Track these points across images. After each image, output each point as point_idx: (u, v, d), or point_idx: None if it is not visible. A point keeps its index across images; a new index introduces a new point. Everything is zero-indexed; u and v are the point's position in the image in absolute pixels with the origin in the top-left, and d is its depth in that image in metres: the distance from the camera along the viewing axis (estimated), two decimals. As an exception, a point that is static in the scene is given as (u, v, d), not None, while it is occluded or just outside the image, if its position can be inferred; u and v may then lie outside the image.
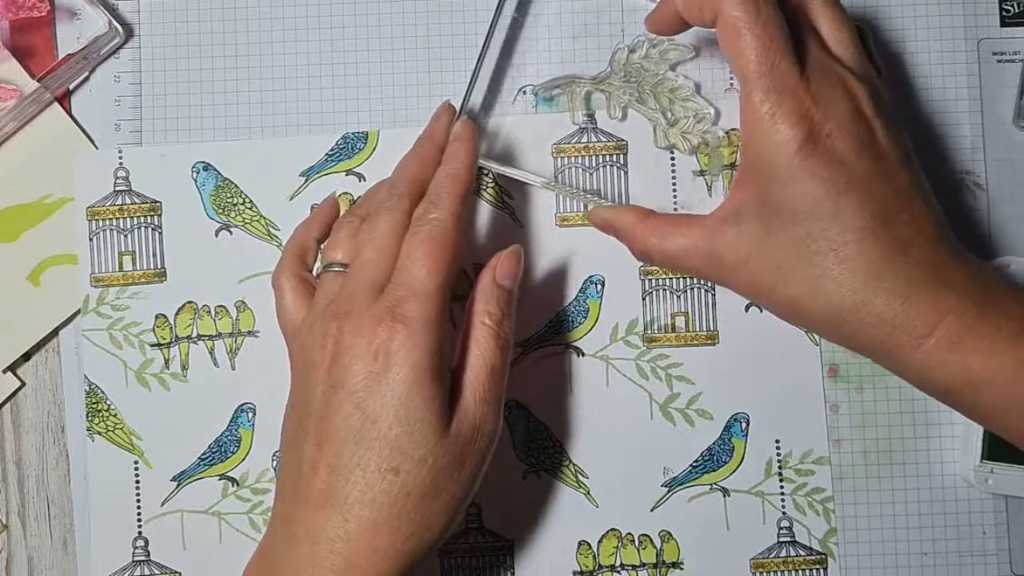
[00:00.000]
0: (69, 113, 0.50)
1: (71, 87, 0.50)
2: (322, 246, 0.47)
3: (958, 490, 0.49)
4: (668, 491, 0.49)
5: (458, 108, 0.48)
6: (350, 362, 0.41)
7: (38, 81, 0.49)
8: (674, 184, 0.49)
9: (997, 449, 0.48)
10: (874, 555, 0.49)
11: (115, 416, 0.50)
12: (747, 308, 0.49)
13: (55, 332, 0.50)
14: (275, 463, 0.49)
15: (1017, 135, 0.50)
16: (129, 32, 0.51)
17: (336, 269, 0.44)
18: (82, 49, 0.50)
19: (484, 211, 0.50)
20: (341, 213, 0.48)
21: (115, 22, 0.50)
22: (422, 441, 0.41)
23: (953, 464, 0.49)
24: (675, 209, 0.49)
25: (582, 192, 0.49)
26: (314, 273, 0.47)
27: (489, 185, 0.50)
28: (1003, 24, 0.50)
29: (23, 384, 0.50)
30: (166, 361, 0.50)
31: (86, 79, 0.50)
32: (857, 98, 0.42)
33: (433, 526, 0.41)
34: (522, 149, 0.50)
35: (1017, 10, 0.50)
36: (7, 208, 0.50)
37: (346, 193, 0.50)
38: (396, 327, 0.41)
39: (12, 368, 0.50)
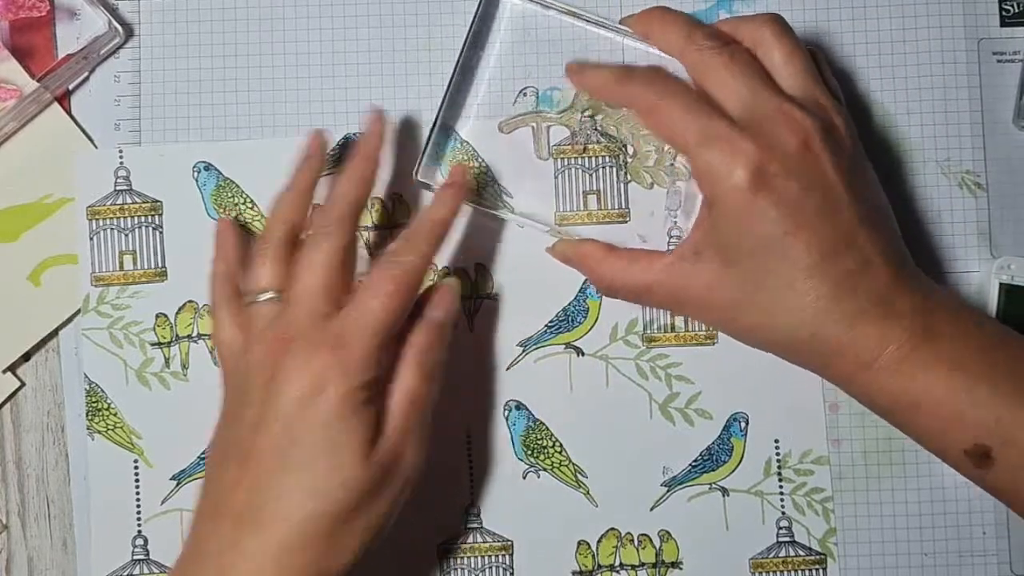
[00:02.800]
0: (69, 113, 0.50)
1: (71, 87, 0.50)
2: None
3: (958, 490, 0.49)
4: (668, 491, 0.49)
5: (435, 115, 0.49)
6: (285, 386, 0.42)
7: (38, 81, 0.49)
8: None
9: None
10: (874, 555, 0.49)
11: (115, 415, 0.50)
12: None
13: (55, 332, 0.50)
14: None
15: (1017, 135, 0.50)
16: (129, 32, 0.51)
17: (269, 296, 0.44)
18: (82, 49, 0.50)
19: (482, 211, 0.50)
20: (233, 233, 0.48)
21: (115, 22, 0.50)
22: (342, 466, 0.41)
23: None
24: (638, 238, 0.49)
25: (548, 225, 0.49)
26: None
27: (488, 183, 0.50)
28: (1003, 24, 0.50)
29: (23, 384, 0.50)
30: (166, 360, 0.50)
31: (86, 79, 0.51)
32: (805, 133, 0.42)
33: (347, 550, 0.42)
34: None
35: (1017, 10, 0.50)
36: (7, 208, 0.50)
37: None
38: (337, 354, 0.42)
39: (12, 368, 0.50)
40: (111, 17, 0.50)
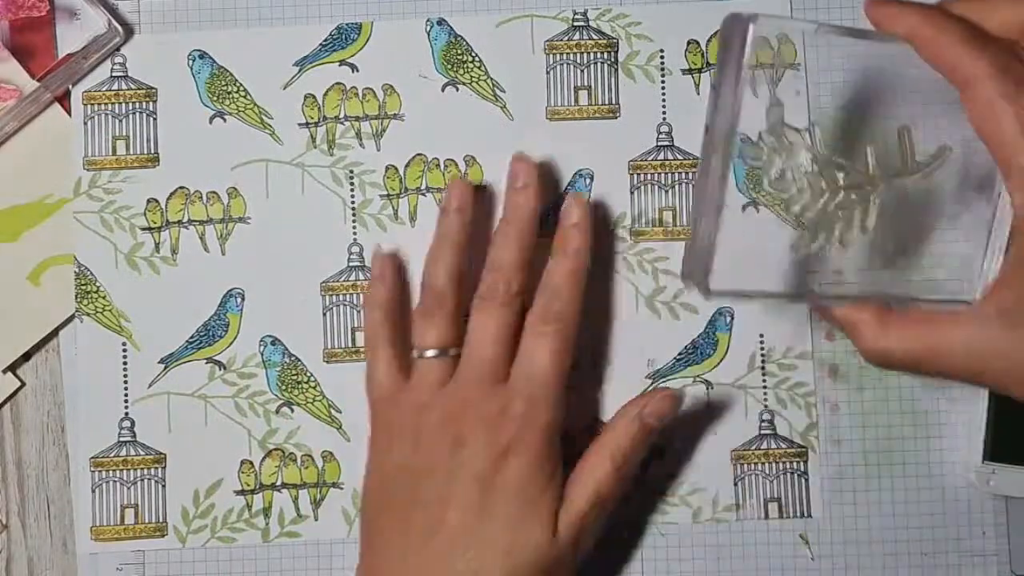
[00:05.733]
0: (69, 113, 0.50)
1: (71, 87, 0.51)
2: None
3: (958, 490, 0.49)
4: (652, 383, 0.49)
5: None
6: (476, 448, 0.44)
7: (38, 81, 0.50)
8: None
9: (999, 450, 0.48)
10: (874, 555, 0.49)
11: (104, 298, 0.50)
12: (744, 208, 0.49)
13: (55, 332, 0.50)
14: (262, 348, 0.50)
15: None
16: (129, 32, 0.51)
17: (437, 353, 0.46)
18: (82, 49, 0.50)
19: (475, 104, 0.50)
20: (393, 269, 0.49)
21: (115, 22, 0.50)
22: (534, 527, 0.44)
23: (953, 464, 0.49)
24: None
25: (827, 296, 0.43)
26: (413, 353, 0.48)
27: (481, 78, 0.50)
28: None
29: (23, 384, 0.50)
30: (156, 245, 0.50)
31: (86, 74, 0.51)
32: None
33: None
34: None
35: None
36: (7, 208, 0.50)
37: (339, 83, 0.50)
38: (523, 417, 0.44)
39: (12, 368, 0.50)
40: (111, 17, 0.50)
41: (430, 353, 0.46)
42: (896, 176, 0.41)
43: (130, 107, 0.50)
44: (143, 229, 0.50)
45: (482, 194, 0.50)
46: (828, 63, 0.49)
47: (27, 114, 0.50)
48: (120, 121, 0.50)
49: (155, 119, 0.50)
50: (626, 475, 0.46)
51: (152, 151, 0.50)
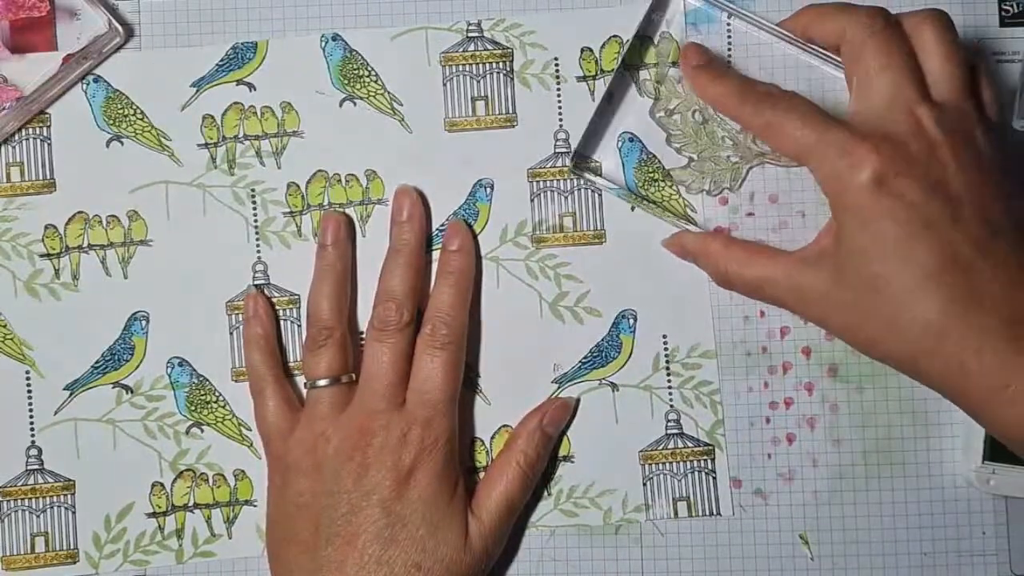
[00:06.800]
0: None
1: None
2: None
3: (958, 490, 0.49)
4: (558, 387, 0.50)
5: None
6: (380, 475, 0.45)
7: (38, 81, 0.49)
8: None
9: (999, 450, 0.48)
10: (874, 555, 0.49)
11: (4, 327, 0.49)
12: (633, 208, 0.50)
13: None
14: (169, 369, 0.50)
15: (1017, 135, 0.49)
16: (129, 32, 0.50)
17: (329, 382, 0.47)
18: (82, 49, 0.49)
19: (373, 119, 0.50)
20: (266, 306, 0.50)
21: (115, 22, 0.49)
22: (444, 541, 0.45)
23: (953, 464, 0.49)
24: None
25: (669, 214, 0.50)
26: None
27: (378, 92, 0.50)
28: (1002, 24, 0.50)
29: None
30: (56, 271, 0.50)
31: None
32: (931, 141, 0.41)
33: None
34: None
35: (1017, 10, 0.50)
36: None
37: (237, 103, 0.50)
38: (423, 439, 0.46)
39: None
40: (111, 17, 0.49)
41: (322, 383, 0.47)
42: (765, 156, 0.50)
43: (23, 133, 0.50)
44: (41, 256, 0.50)
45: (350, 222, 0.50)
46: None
47: (27, 114, 0.49)
48: (14, 148, 0.50)
49: (50, 144, 0.50)
50: (532, 482, 0.48)
51: (48, 176, 0.50)
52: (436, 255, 0.50)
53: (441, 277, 0.49)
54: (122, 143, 0.50)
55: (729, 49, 0.50)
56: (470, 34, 0.51)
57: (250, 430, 0.50)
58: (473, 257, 0.49)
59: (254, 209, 0.50)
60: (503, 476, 0.47)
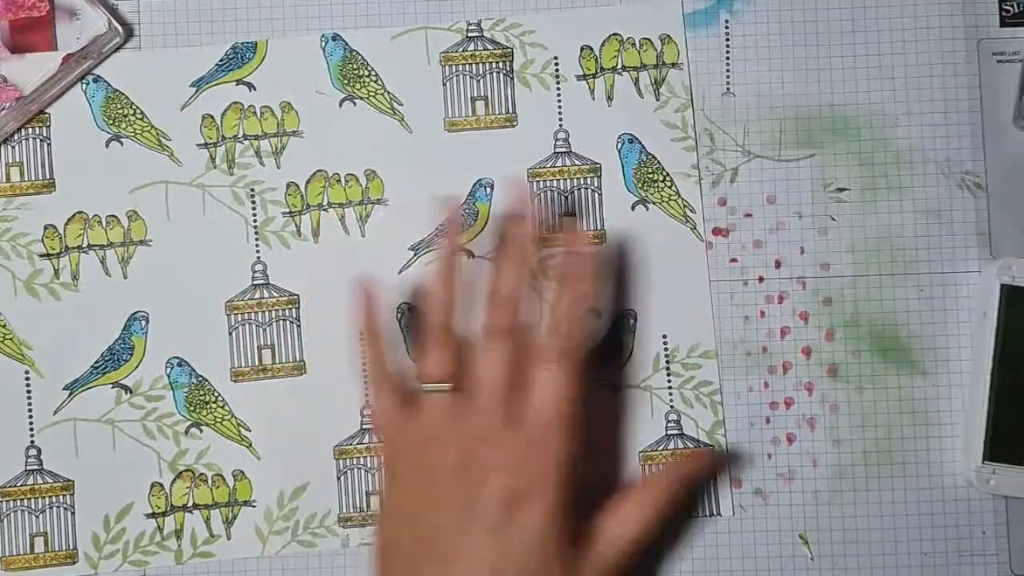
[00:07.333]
0: None
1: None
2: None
3: (958, 490, 0.49)
4: (559, 387, 0.50)
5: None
6: (490, 498, 0.43)
7: (39, 81, 0.49)
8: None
9: (999, 450, 0.48)
10: (874, 555, 0.49)
11: (3, 327, 0.49)
12: (633, 207, 0.50)
13: None
14: (169, 370, 0.50)
15: (1017, 135, 0.50)
16: (129, 32, 0.50)
17: (442, 387, 0.45)
18: (82, 49, 0.49)
19: (373, 119, 0.50)
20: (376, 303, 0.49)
21: (115, 22, 0.50)
22: None
23: (953, 464, 0.49)
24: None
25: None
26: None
27: (377, 92, 0.50)
28: (1003, 24, 0.50)
29: None
30: (56, 271, 0.50)
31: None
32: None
33: None
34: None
35: (1017, 10, 0.50)
36: None
37: (237, 103, 0.50)
38: (543, 464, 0.43)
39: None
40: (111, 17, 0.50)
41: (436, 386, 0.45)
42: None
43: (23, 133, 0.50)
44: (41, 256, 0.50)
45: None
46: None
47: (27, 114, 0.49)
48: (13, 148, 0.50)
49: (49, 144, 0.50)
50: (653, 530, 0.45)
51: (47, 176, 0.50)
52: (434, 255, 0.50)
53: (561, 282, 0.46)
54: (122, 143, 0.50)
55: (728, 49, 0.50)
56: (470, 34, 0.51)
57: (249, 430, 0.50)
58: (594, 262, 0.48)
59: (253, 209, 0.50)
60: (624, 514, 0.45)
